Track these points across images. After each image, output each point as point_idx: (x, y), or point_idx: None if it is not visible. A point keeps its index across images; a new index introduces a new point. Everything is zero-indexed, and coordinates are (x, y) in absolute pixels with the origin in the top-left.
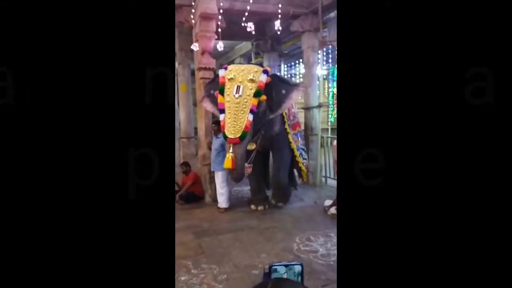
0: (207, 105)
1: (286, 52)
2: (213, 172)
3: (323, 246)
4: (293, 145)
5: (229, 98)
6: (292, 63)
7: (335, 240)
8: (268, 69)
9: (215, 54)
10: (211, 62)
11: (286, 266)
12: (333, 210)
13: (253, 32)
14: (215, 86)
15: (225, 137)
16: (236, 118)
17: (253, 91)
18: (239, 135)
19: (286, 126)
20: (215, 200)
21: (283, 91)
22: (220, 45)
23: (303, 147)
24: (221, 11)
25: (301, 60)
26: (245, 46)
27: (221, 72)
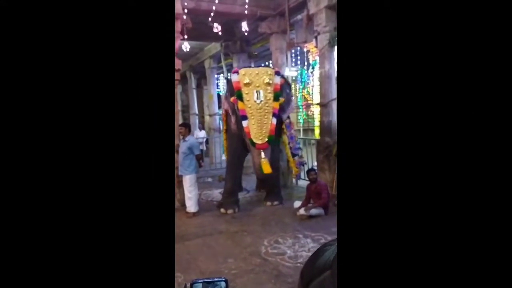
0: (226, 106)
1: (255, 53)
2: (181, 176)
3: (291, 248)
4: (287, 146)
5: (250, 104)
6: (262, 65)
7: (303, 241)
8: (279, 70)
9: (184, 55)
10: (177, 63)
11: (208, 283)
12: (302, 211)
13: (220, 33)
14: (227, 89)
15: (253, 143)
16: (261, 124)
17: (271, 94)
18: (266, 140)
19: (284, 126)
20: (183, 204)
21: (287, 90)
22: (186, 46)
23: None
24: (186, 10)
25: (270, 62)
26: (214, 47)
27: (234, 77)
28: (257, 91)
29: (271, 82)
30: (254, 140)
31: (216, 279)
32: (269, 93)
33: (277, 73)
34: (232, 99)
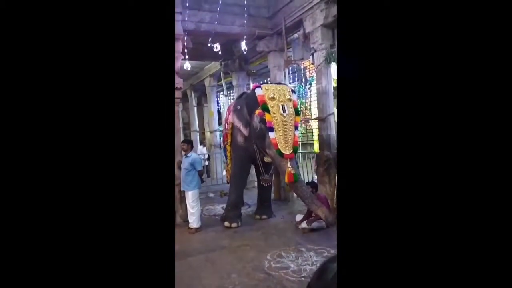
0: (234, 119)
1: (254, 71)
2: (183, 191)
3: (294, 262)
4: None
5: (276, 117)
6: (260, 82)
7: (306, 255)
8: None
9: (185, 74)
10: (179, 82)
11: None
12: (304, 224)
13: (220, 53)
14: (243, 102)
15: (281, 153)
16: (287, 135)
17: (292, 110)
18: (291, 150)
19: None
20: (186, 220)
21: None
22: (187, 66)
23: None
24: (186, 32)
25: (268, 79)
26: (214, 66)
27: (259, 91)
28: (282, 105)
29: (291, 98)
30: (282, 151)
31: None
32: (290, 108)
33: (293, 91)
34: (257, 111)
